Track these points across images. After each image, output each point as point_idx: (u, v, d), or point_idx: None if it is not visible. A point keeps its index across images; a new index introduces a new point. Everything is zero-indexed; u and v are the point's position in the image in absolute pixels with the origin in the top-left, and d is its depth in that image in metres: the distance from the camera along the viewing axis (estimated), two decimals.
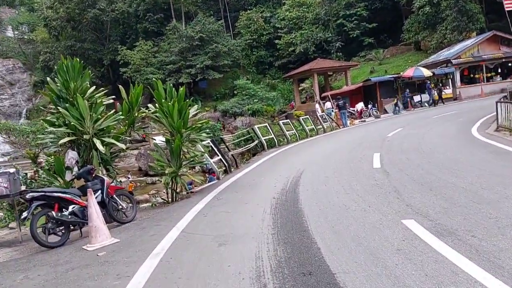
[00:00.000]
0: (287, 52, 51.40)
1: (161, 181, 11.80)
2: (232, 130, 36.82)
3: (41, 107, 18.34)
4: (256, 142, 17.14)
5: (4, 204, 10.55)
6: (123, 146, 8.40)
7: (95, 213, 6.27)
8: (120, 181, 9.78)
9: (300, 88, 45.67)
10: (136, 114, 9.74)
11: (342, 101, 27.30)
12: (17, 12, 74.41)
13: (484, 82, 32.70)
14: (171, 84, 9.95)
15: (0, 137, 32.72)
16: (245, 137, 18.04)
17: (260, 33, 54.28)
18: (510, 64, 33.54)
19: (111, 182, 8.17)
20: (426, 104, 30.87)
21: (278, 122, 22.38)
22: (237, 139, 18.47)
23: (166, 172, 8.73)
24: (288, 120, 22.52)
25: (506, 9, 15.01)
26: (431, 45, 40.98)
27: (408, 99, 31.24)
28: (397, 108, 29.62)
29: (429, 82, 31.15)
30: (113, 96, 9.64)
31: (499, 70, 33.38)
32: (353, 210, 6.33)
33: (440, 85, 32.32)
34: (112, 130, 9.16)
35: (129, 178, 25.71)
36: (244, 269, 4.43)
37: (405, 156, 10.88)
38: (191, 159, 9.44)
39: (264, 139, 18.02)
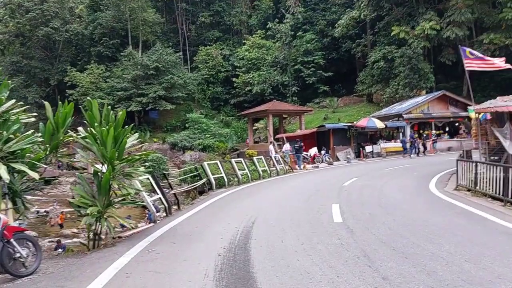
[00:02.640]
0: (243, 91, 51.09)
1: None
2: (179, 165, 35.00)
3: None
4: (204, 180, 15.64)
5: None
6: (35, 175, 6.69)
7: None
8: (25, 217, 7.88)
9: (254, 128, 45.02)
10: (62, 138, 8.07)
11: (298, 144, 26.63)
12: None
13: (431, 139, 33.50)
14: (109, 106, 8.40)
15: None
16: (193, 174, 16.50)
17: (218, 70, 53.85)
18: (456, 124, 34.77)
19: (14, 221, 6.40)
20: (413, 155, 29.80)
21: (230, 160, 21.07)
22: (184, 175, 16.90)
23: (88, 211, 7.06)
24: (240, 159, 21.23)
25: (466, 69, 14.97)
26: (383, 98, 42.08)
27: (361, 149, 31.22)
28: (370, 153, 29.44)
29: (412, 132, 31.17)
30: (34, 114, 7.94)
31: (447, 129, 34.43)
32: (318, 280, 5.02)
33: (424, 136, 32.58)
34: (27, 155, 7.44)
35: (55, 208, 23.04)
36: None
37: (367, 211, 9.86)
38: (123, 197, 7.83)
39: (213, 177, 16.56)
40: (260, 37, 54.04)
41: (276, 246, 6.81)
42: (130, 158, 7.82)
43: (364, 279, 5.01)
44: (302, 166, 25.57)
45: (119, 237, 8.21)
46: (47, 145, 7.90)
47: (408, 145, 30.04)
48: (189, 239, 7.48)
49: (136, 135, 8.71)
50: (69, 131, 8.32)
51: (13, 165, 6.69)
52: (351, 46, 48.66)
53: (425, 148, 30.46)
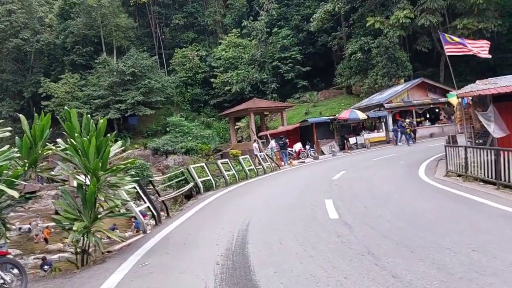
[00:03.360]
0: (222, 91, 50.65)
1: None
2: (163, 170, 34.39)
3: None
4: (191, 184, 15.23)
5: None
6: (15, 193, 6.24)
7: None
8: (7, 238, 7.43)
9: (236, 127, 44.69)
10: (40, 151, 7.62)
11: (283, 141, 26.43)
12: None
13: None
14: (88, 115, 7.98)
15: None
16: (179, 179, 16.06)
17: (195, 71, 53.26)
18: (437, 110, 35.12)
19: None
20: (411, 143, 29.44)
21: (216, 161, 20.68)
22: (169, 181, 16.43)
23: (75, 227, 6.64)
24: (226, 160, 20.86)
25: (447, 54, 14.98)
26: (362, 89, 42.23)
27: (346, 140, 31.18)
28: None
29: (401, 121, 31.03)
30: (9, 128, 7.46)
31: (428, 116, 34.75)
32: (325, 284, 4.77)
33: (414, 123, 32.21)
34: (4, 172, 6.98)
35: (38, 224, 22.26)
36: None
37: (361, 204, 9.69)
38: (110, 210, 7.43)
39: (200, 181, 16.18)
40: (235, 36, 53.63)
41: (275, 248, 6.54)
42: (115, 168, 7.41)
43: (373, 279, 4.78)
44: (288, 163, 25.38)
45: (109, 252, 7.80)
46: (25, 160, 7.44)
47: (399, 134, 30.10)
48: (183, 249, 7.13)
49: (119, 143, 8.32)
50: (47, 143, 7.87)
51: None
52: (327, 40, 48.67)
53: (414, 135, 30.33)
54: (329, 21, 46.81)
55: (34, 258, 17.20)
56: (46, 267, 13.71)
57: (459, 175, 12.35)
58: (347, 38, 46.76)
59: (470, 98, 15.40)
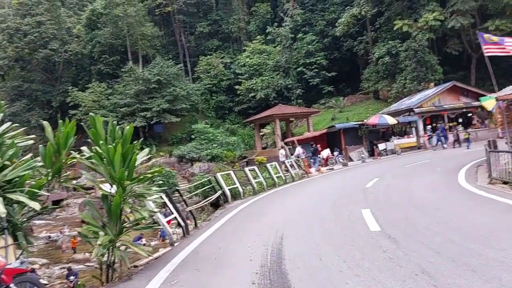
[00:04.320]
0: (247, 98, 50.38)
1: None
2: (189, 177, 34.16)
3: None
4: (219, 193, 14.78)
5: None
6: (36, 205, 5.90)
7: None
8: (28, 252, 7.09)
9: (261, 134, 44.26)
10: (64, 160, 7.29)
11: (314, 147, 25.93)
12: None
13: (448, 132, 32.44)
14: (114, 122, 7.62)
15: None
16: (206, 187, 15.64)
17: (220, 78, 53.20)
18: (469, 114, 33.75)
19: (16, 259, 5.59)
20: (445, 146, 29.66)
21: (243, 169, 20.21)
22: (197, 190, 16.04)
23: (99, 241, 6.23)
24: (253, 167, 20.37)
25: (486, 55, 14.08)
26: (390, 94, 41.17)
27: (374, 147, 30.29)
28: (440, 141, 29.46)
29: (443, 124, 31.02)
30: (33, 136, 7.16)
31: (460, 120, 33.41)
32: None
33: (457, 127, 32.00)
34: (27, 182, 6.67)
35: (63, 232, 22.26)
36: None
37: (402, 214, 8.98)
38: (136, 222, 7.00)
39: (228, 189, 15.71)
40: (260, 43, 53.40)
41: (315, 266, 5.95)
42: (141, 177, 6.99)
43: None
44: (317, 170, 24.68)
45: (135, 266, 7.37)
46: (49, 170, 7.12)
47: (442, 138, 29.79)
48: (214, 264, 6.62)
49: (146, 150, 7.91)
50: (72, 152, 7.53)
51: (10, 195, 5.91)
52: (352, 44, 47.82)
53: (458, 139, 29.64)
54: (354, 26, 46.03)
55: (60, 268, 17.13)
56: (72, 277, 13.48)
57: (505, 182, 11.45)
58: (373, 43, 45.82)
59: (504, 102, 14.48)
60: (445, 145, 29.46)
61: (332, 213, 10.22)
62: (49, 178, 7.00)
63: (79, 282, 10.06)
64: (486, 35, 14.56)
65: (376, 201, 11.28)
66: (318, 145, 26.95)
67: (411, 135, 32.04)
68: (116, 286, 6.17)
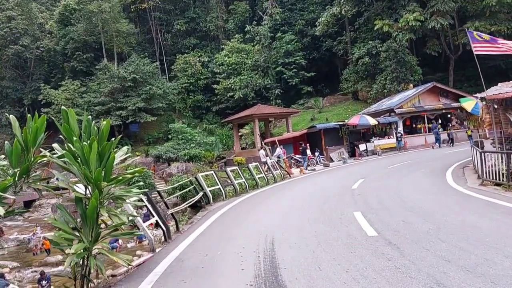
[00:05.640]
0: (225, 98, 49.72)
1: None
2: (166, 178, 33.22)
3: None
4: (200, 194, 14.08)
5: None
6: (0, 211, 5.12)
7: None
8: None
9: (239, 134, 43.61)
10: (33, 159, 6.48)
11: (303, 147, 25.77)
12: None
13: (427, 132, 32.62)
14: (89, 117, 6.87)
15: None
16: (186, 189, 14.92)
17: (197, 77, 52.33)
18: (449, 115, 34.04)
19: None
20: (443, 144, 30.45)
21: (225, 169, 19.53)
22: (176, 192, 15.29)
23: (73, 250, 5.50)
24: (235, 167, 19.73)
25: (475, 53, 13.85)
26: (370, 94, 41.23)
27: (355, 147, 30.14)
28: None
29: (435, 123, 31.55)
30: None
31: (439, 121, 33.65)
32: None
33: (450, 126, 32.69)
34: None
35: (37, 233, 21.06)
36: None
37: (398, 218, 8.54)
38: (114, 228, 6.28)
39: (209, 190, 15.02)
40: (238, 41, 52.77)
41: (315, 276, 5.38)
42: (120, 178, 6.26)
43: None
44: (299, 170, 24.26)
45: (113, 276, 6.64)
46: (16, 170, 6.31)
47: (440, 136, 30.48)
48: (202, 275, 5.96)
49: (125, 148, 7.18)
50: (42, 150, 6.73)
51: None
52: (332, 44, 47.80)
53: (452, 138, 30.42)
54: (334, 26, 46.01)
55: (32, 271, 16.12)
56: (44, 282, 12.58)
57: (497, 184, 11.20)
58: (352, 43, 45.88)
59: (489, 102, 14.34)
60: (437, 144, 30.25)
61: (322, 216, 9.70)
62: (16, 178, 6.19)
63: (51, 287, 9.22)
64: (475, 33, 14.39)
65: (366, 203, 10.83)
66: (307, 145, 26.74)
67: (391, 136, 32.04)
68: None
